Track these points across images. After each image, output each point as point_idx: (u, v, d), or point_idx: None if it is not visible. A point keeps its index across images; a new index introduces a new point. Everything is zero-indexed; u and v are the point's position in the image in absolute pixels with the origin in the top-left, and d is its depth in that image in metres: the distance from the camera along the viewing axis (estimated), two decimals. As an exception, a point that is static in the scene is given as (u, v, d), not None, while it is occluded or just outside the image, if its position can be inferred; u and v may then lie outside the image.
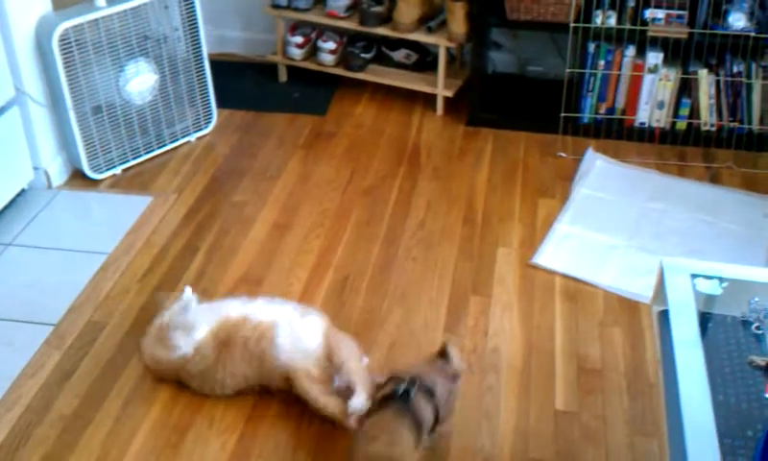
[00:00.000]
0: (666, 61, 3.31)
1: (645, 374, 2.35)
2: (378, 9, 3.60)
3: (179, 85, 3.34)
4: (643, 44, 3.30)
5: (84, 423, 2.19)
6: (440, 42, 3.53)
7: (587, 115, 3.46)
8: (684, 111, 3.39)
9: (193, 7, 3.26)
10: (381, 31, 3.62)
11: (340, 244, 2.87)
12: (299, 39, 3.79)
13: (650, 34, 3.25)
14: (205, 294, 2.59)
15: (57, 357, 2.39)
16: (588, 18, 3.26)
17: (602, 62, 3.36)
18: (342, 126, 3.59)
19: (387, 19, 3.61)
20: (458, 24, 3.46)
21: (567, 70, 3.33)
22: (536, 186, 3.18)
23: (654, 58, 3.30)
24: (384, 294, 2.65)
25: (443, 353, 2.09)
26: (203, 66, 3.39)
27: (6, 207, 2.98)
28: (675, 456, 1.32)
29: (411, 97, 3.73)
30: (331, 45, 3.74)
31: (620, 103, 3.43)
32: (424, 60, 3.74)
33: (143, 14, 3.13)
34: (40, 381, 2.32)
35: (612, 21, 3.27)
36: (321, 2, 3.76)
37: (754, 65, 3.24)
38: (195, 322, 2.25)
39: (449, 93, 3.61)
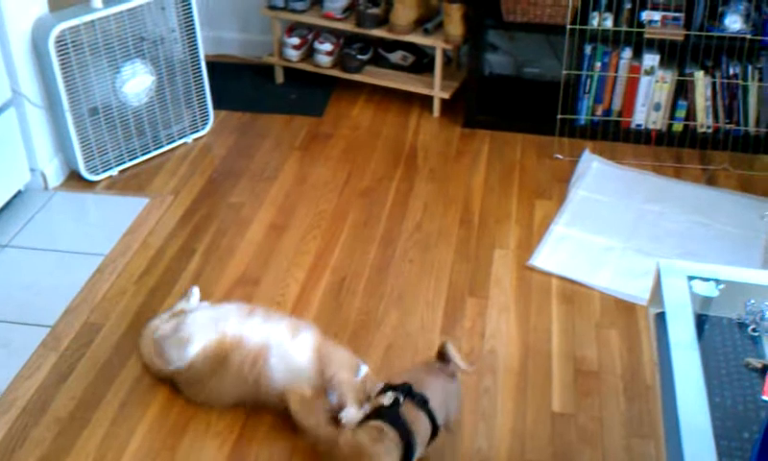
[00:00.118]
0: (663, 63, 3.32)
1: (642, 376, 2.35)
2: (375, 10, 3.60)
3: (175, 87, 3.34)
4: (640, 46, 3.31)
5: (81, 425, 2.19)
6: (436, 44, 3.53)
7: (583, 117, 3.46)
8: (681, 113, 3.40)
9: (190, 8, 3.26)
10: (378, 32, 3.62)
11: (337, 245, 2.87)
12: (295, 41, 3.79)
13: (646, 36, 3.25)
14: (203, 295, 2.59)
15: (53, 359, 2.39)
16: (585, 20, 3.27)
17: (598, 64, 3.36)
18: (338, 127, 3.59)
19: (384, 21, 3.62)
20: (454, 26, 3.47)
21: (564, 72, 3.34)
22: (532, 188, 3.18)
23: (650, 60, 3.31)
24: (381, 296, 2.65)
25: (441, 354, 2.08)
26: (199, 68, 3.39)
27: (2, 209, 2.97)
28: (672, 458, 1.32)
29: (408, 99, 3.73)
30: (328, 47, 3.74)
31: (617, 105, 3.44)
32: (421, 62, 3.75)
33: (140, 16, 3.12)
34: (37, 383, 2.31)
35: (609, 23, 3.28)
36: (317, 3, 3.76)
37: (750, 67, 3.25)
38: (190, 336, 2.22)
39: (446, 95, 3.61)
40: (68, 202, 3.11)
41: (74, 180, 3.20)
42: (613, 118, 3.45)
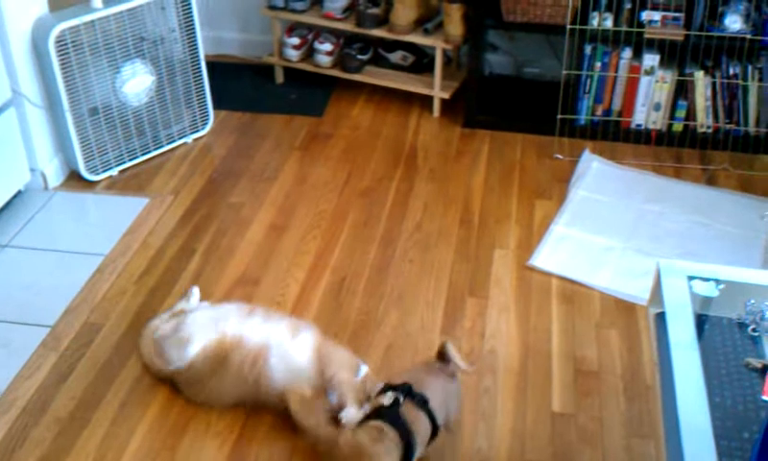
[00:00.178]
0: (663, 63, 3.32)
1: (642, 376, 2.35)
2: (375, 10, 3.60)
3: (175, 87, 3.34)
4: (640, 46, 3.31)
5: (81, 425, 2.19)
6: (436, 44, 3.53)
7: (583, 117, 3.46)
8: (681, 113, 3.40)
9: (190, 8, 3.26)
10: (378, 32, 3.62)
11: (337, 245, 2.87)
12: (295, 41, 3.79)
13: (646, 36, 3.25)
14: (203, 295, 2.59)
15: (53, 359, 2.39)
16: (585, 20, 3.27)
17: (598, 64, 3.36)
18: (338, 127, 3.60)
19: (384, 21, 3.62)
20: (454, 26, 3.47)
21: (564, 72, 3.34)
22: (532, 188, 3.18)
23: (650, 60, 3.31)
24: (381, 296, 2.65)
25: (441, 354, 2.08)
26: (199, 68, 3.39)
27: (2, 209, 2.97)
28: (672, 458, 1.32)
29: (408, 99, 3.73)
30: (328, 47, 3.74)
31: (617, 105, 3.44)
32: (421, 62, 3.75)
33: (140, 16, 3.12)
34: (37, 383, 2.31)
35: (609, 23, 3.28)
36: (317, 3, 3.76)
37: (750, 67, 3.25)
38: (190, 336, 2.22)
39: (446, 95, 3.61)
40: (68, 202, 3.11)
41: (74, 180, 3.20)
42: (613, 118, 3.45)
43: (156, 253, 2.83)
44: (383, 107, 3.74)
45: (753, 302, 1.57)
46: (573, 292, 2.66)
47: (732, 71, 3.27)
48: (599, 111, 3.45)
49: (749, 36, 3.17)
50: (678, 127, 3.42)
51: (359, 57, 3.74)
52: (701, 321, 1.55)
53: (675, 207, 3.04)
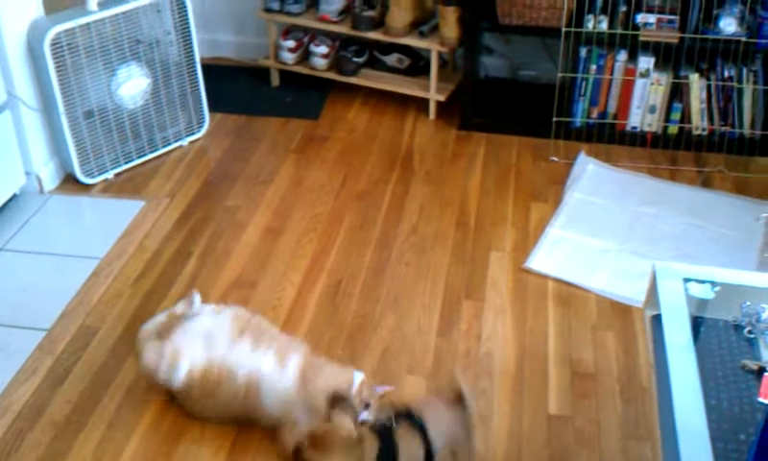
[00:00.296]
0: (658, 66, 3.33)
1: (638, 378, 2.35)
2: (371, 13, 3.61)
3: (171, 90, 3.33)
4: (635, 49, 3.31)
5: (77, 428, 2.19)
6: (432, 47, 3.53)
7: (579, 120, 3.47)
8: (676, 116, 3.40)
9: (185, 11, 3.26)
10: (373, 35, 3.62)
11: (333, 248, 2.87)
12: (291, 44, 3.79)
13: (641, 38, 3.26)
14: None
15: (49, 362, 2.38)
16: (580, 23, 3.27)
17: (594, 67, 3.37)
18: (334, 130, 3.60)
19: (379, 24, 3.62)
20: (450, 29, 3.47)
21: (559, 75, 3.34)
22: (528, 191, 3.18)
23: (645, 62, 3.32)
24: (377, 299, 2.65)
25: (458, 395, 2.02)
26: (195, 70, 3.39)
27: (-3, 212, 2.97)
28: (668, 460, 1.32)
29: (403, 101, 3.73)
30: (324, 49, 3.74)
31: (612, 107, 3.44)
32: (417, 65, 3.75)
33: (135, 18, 3.12)
34: (33, 387, 2.31)
35: (604, 26, 3.28)
36: (313, 6, 3.76)
37: (744, 70, 3.26)
38: (175, 362, 2.13)
39: (442, 98, 3.62)
40: (64, 205, 3.10)
41: (69, 183, 3.19)
42: (609, 121, 3.45)
43: (152, 256, 2.82)
44: (379, 109, 3.74)
45: (748, 304, 1.57)
46: (569, 294, 2.67)
47: (726, 74, 3.28)
48: (594, 114, 3.46)
49: (743, 39, 3.17)
50: (673, 129, 3.43)
51: (355, 59, 3.74)
52: (697, 323, 1.55)
53: (670, 210, 3.05)
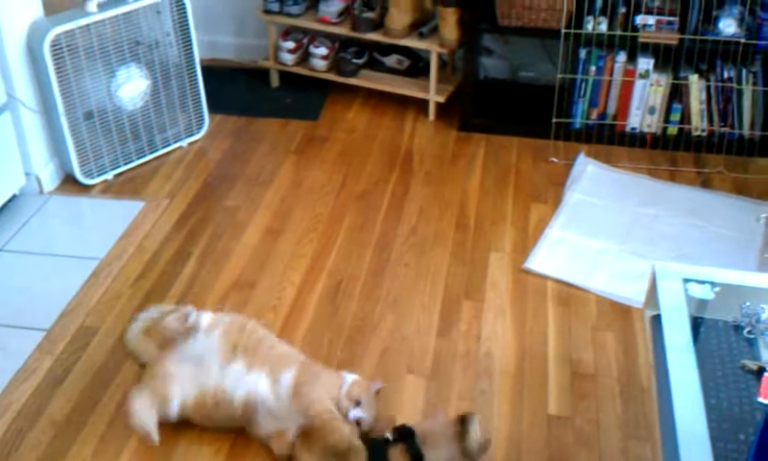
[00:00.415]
0: (657, 67, 3.33)
1: (638, 378, 2.35)
2: (370, 14, 3.61)
3: (170, 91, 3.34)
4: (634, 50, 3.32)
5: (77, 428, 2.19)
6: (431, 48, 3.53)
7: (578, 121, 3.47)
8: (675, 117, 3.41)
9: (185, 12, 3.26)
10: (373, 36, 3.62)
11: (333, 249, 2.87)
12: (290, 45, 3.79)
13: (641, 40, 3.26)
14: (198, 299, 2.59)
15: (49, 362, 2.38)
16: (580, 24, 3.28)
17: (593, 68, 3.37)
18: (334, 131, 3.60)
19: (379, 25, 3.62)
20: (450, 30, 3.47)
21: (559, 76, 3.35)
22: (528, 191, 3.18)
23: (645, 63, 3.32)
24: (377, 299, 2.65)
25: (462, 420, 2.01)
26: (194, 71, 3.39)
27: (-3, 213, 2.97)
28: (668, 460, 1.32)
29: (403, 102, 3.73)
30: (323, 51, 3.75)
31: (611, 108, 3.45)
32: (416, 66, 3.75)
33: (135, 20, 3.12)
34: (32, 387, 2.31)
35: (604, 27, 3.29)
36: (313, 7, 3.76)
37: (744, 71, 3.26)
38: (166, 398, 2.12)
39: (441, 99, 3.62)
40: (63, 206, 3.10)
41: (69, 184, 3.19)
42: (608, 122, 3.45)
43: (152, 256, 2.82)
44: (379, 110, 3.74)
45: (748, 304, 1.58)
46: (569, 295, 2.67)
47: (726, 75, 3.28)
48: (594, 115, 3.46)
49: (743, 40, 3.18)
50: (672, 130, 3.43)
51: (354, 61, 3.74)
52: (696, 323, 1.55)
53: (670, 210, 3.05)
